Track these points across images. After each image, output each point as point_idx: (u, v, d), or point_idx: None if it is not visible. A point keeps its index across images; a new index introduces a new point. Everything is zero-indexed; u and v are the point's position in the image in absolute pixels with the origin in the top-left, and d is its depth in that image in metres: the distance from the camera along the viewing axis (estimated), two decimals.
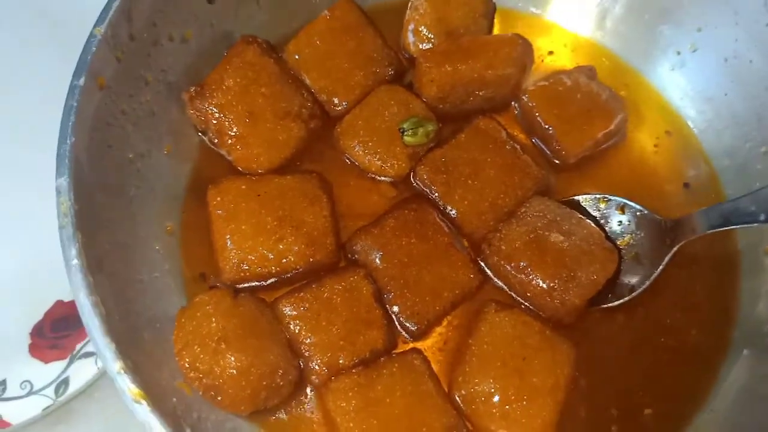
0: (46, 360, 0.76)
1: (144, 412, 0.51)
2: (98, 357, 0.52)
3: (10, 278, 0.81)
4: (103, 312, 0.53)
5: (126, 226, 0.66)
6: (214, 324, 0.64)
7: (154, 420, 0.50)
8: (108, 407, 0.77)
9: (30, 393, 0.75)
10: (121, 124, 0.68)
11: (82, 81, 0.60)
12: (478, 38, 0.84)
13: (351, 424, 0.65)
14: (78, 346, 0.76)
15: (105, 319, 0.53)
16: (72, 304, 0.77)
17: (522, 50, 0.82)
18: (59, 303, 0.80)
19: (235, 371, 0.62)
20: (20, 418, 0.73)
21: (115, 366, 0.51)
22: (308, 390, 0.69)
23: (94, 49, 0.62)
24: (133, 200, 0.69)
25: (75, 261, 0.54)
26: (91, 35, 0.62)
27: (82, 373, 0.75)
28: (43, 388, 0.75)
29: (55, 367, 0.76)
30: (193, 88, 0.76)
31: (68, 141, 0.58)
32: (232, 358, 0.62)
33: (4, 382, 0.75)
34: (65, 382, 0.75)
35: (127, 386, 0.51)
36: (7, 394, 0.75)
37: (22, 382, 0.75)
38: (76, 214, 0.56)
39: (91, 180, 0.61)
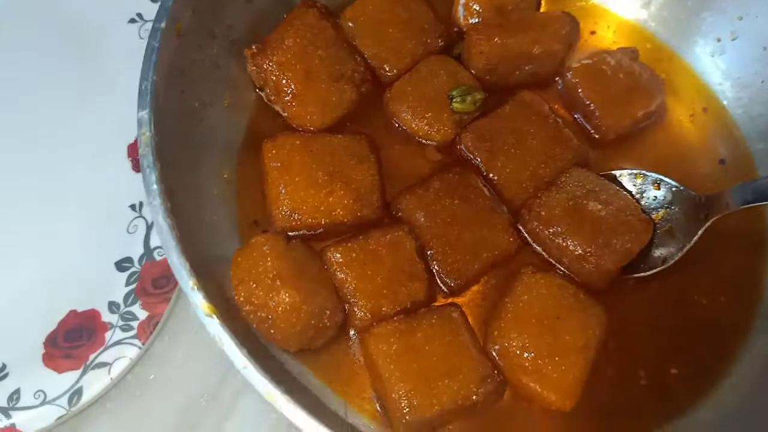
0: (59, 370, 0.77)
1: (215, 324, 0.55)
2: (175, 275, 0.55)
3: (24, 288, 0.81)
4: (178, 234, 0.57)
5: (191, 169, 0.70)
6: (269, 263, 0.68)
7: (223, 333, 0.54)
8: (120, 418, 0.77)
9: (43, 403, 0.75)
10: (191, 73, 0.72)
11: (163, 24, 0.64)
12: (527, 14, 0.87)
13: (391, 366, 0.69)
14: (91, 356, 0.77)
15: (180, 240, 0.57)
16: (86, 314, 0.80)
17: (569, 28, 0.86)
18: (73, 313, 0.80)
19: (287, 307, 0.66)
20: (33, 428, 0.74)
21: (190, 282, 0.55)
22: (352, 334, 0.73)
23: None
24: (197, 147, 0.73)
25: (155, 186, 0.59)
26: None
27: (95, 383, 0.76)
28: (57, 398, 0.75)
29: (69, 377, 0.76)
30: (255, 45, 0.80)
31: (150, 78, 0.62)
32: (285, 296, 0.66)
33: (17, 392, 0.76)
34: (78, 392, 0.75)
35: (200, 301, 0.55)
36: (21, 404, 0.75)
37: (36, 392, 0.75)
38: (156, 145, 0.60)
39: (166, 120, 0.65)
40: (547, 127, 0.83)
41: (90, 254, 0.83)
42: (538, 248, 0.79)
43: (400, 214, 0.78)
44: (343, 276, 0.73)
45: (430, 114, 0.82)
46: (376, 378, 0.70)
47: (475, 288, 0.78)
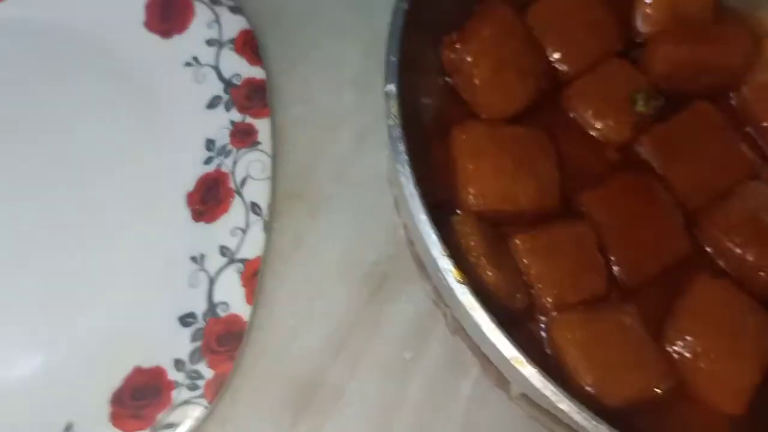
0: (127, 430, 0.74)
1: (466, 292, 0.58)
2: (424, 240, 0.58)
3: (87, 344, 0.79)
4: (419, 191, 0.61)
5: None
6: (472, 242, 0.71)
7: (474, 301, 0.57)
8: None
9: None
10: (406, 56, 0.75)
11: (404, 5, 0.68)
12: (710, 26, 0.89)
13: (577, 354, 0.71)
14: (158, 417, 0.74)
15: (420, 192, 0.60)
16: (151, 372, 0.77)
17: (752, 45, 0.87)
18: (137, 370, 0.77)
19: (490, 287, 0.69)
20: None
21: (441, 248, 0.59)
22: (538, 318, 0.75)
23: None
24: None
25: (404, 155, 0.63)
26: None
27: None
28: None
29: None
30: (454, 33, 0.83)
31: (395, 56, 0.66)
32: (490, 273, 0.69)
33: None
34: None
35: (451, 267, 0.58)
36: None
37: None
38: (401, 116, 0.64)
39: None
40: (722, 139, 0.85)
41: (152, 308, 0.81)
42: (714, 254, 0.81)
43: (583, 208, 0.81)
44: (528, 262, 0.76)
45: (610, 114, 0.85)
46: (562, 364, 0.72)
47: (648, 288, 0.79)
